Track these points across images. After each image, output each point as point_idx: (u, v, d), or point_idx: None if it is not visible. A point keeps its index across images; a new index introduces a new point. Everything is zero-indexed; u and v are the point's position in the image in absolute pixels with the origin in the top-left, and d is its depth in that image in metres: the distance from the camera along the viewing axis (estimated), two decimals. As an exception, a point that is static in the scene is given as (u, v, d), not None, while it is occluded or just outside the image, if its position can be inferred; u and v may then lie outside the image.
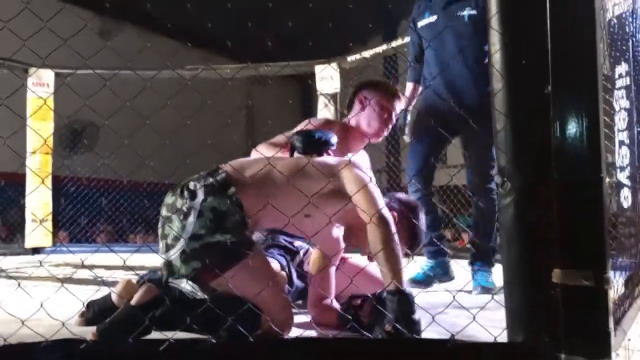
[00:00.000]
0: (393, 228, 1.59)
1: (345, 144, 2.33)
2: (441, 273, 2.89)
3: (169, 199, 1.74)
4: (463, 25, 2.69)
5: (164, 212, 1.72)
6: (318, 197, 1.61)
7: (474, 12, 2.67)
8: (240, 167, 1.73)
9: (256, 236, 2.20)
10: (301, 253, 2.26)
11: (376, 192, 1.67)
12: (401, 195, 2.00)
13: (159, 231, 1.73)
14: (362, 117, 2.44)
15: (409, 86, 3.03)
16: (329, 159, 1.85)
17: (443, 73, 2.71)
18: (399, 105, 2.53)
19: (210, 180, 1.69)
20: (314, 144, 1.94)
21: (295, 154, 1.99)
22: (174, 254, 1.64)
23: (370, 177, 1.73)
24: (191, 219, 1.63)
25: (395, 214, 1.80)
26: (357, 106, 2.49)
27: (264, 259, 1.71)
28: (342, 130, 2.36)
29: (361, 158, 2.40)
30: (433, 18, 2.79)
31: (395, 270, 1.53)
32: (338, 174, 1.69)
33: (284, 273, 2.10)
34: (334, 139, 1.98)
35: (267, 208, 1.61)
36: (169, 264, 1.66)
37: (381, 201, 1.65)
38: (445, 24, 2.70)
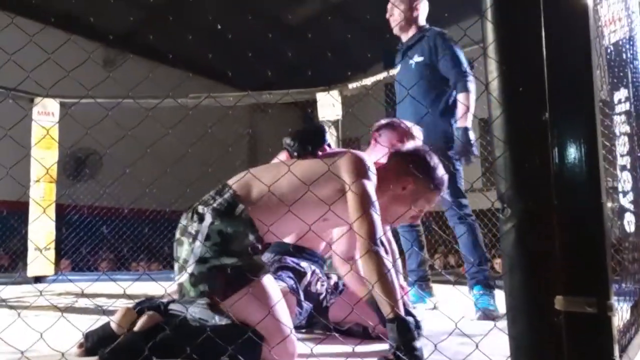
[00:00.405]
0: (384, 260, 1.59)
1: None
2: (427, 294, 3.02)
3: (182, 221, 1.77)
4: (411, 72, 2.88)
5: (177, 234, 1.75)
6: (331, 199, 1.65)
7: (420, 58, 2.87)
8: (246, 183, 1.74)
9: (265, 258, 2.19)
10: (308, 275, 2.24)
11: (374, 205, 1.65)
12: (401, 150, 1.97)
13: (174, 254, 1.74)
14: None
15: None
16: (332, 157, 1.79)
17: (413, 116, 2.84)
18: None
19: (219, 200, 1.71)
20: (307, 140, 1.88)
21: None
22: (184, 276, 1.65)
23: (371, 177, 1.73)
24: (199, 242, 1.65)
25: (411, 178, 1.81)
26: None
27: (270, 285, 1.69)
28: None
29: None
30: (398, 68, 3.06)
31: (391, 297, 1.53)
32: (341, 178, 1.70)
33: (294, 298, 2.08)
34: (326, 136, 1.93)
35: (281, 220, 1.63)
36: (180, 286, 1.68)
37: (375, 223, 1.62)
38: (401, 73, 2.94)
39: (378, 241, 1.61)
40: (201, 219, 1.69)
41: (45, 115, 5.14)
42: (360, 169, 1.71)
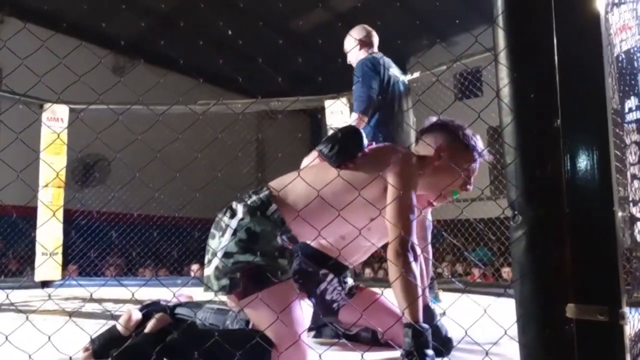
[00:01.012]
0: (413, 263, 1.59)
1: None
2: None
3: (218, 215, 1.78)
4: None
5: (212, 229, 1.76)
6: (375, 199, 1.65)
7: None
8: (284, 184, 1.75)
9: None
10: (325, 283, 2.20)
11: (412, 213, 1.64)
12: (441, 120, 1.93)
13: (206, 248, 1.77)
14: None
15: None
16: (376, 159, 1.76)
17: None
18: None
19: (254, 197, 1.73)
20: (345, 147, 1.76)
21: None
22: (211, 268, 1.67)
23: (415, 183, 1.71)
24: (227, 236, 1.66)
25: (441, 142, 1.81)
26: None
27: (289, 290, 1.67)
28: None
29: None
30: None
31: (410, 303, 1.53)
32: (385, 182, 1.69)
33: (310, 304, 2.06)
34: (364, 142, 1.81)
35: (318, 223, 1.64)
36: (207, 279, 1.69)
37: (410, 229, 1.62)
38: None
39: (409, 247, 1.61)
40: (233, 214, 1.71)
41: (55, 121, 5.18)
42: (406, 172, 1.69)
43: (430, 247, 2.51)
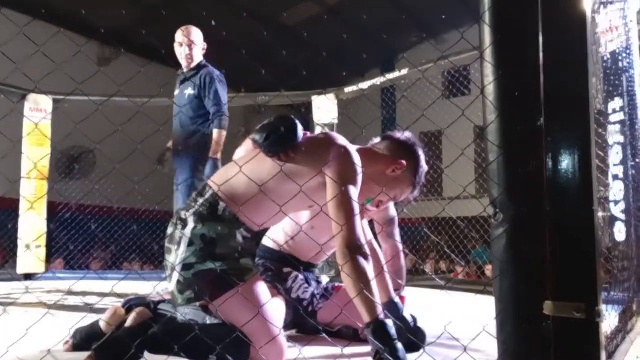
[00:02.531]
0: (363, 261, 1.54)
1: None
2: None
3: (169, 229, 1.75)
4: (184, 99, 3.62)
5: (166, 243, 1.73)
6: (313, 190, 1.63)
7: (193, 91, 3.60)
8: (226, 178, 1.70)
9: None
10: (290, 281, 2.22)
11: (354, 210, 1.59)
12: (395, 136, 1.95)
13: (164, 262, 1.74)
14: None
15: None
16: (314, 148, 1.71)
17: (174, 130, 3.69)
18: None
19: (200, 201, 1.70)
20: (278, 140, 1.69)
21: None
22: (173, 284, 1.65)
23: (356, 179, 1.66)
24: (183, 247, 1.63)
25: (403, 160, 1.83)
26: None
27: (258, 287, 1.66)
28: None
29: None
30: (177, 92, 3.78)
31: (368, 301, 1.49)
32: (323, 173, 1.65)
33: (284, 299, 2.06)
34: (299, 132, 1.73)
35: (264, 211, 1.64)
36: (172, 294, 1.68)
37: (354, 230, 1.57)
38: (179, 98, 3.68)
39: (355, 245, 1.55)
40: (184, 224, 1.67)
41: (38, 111, 5.11)
42: (346, 170, 1.64)
43: (399, 243, 2.48)
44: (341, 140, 1.76)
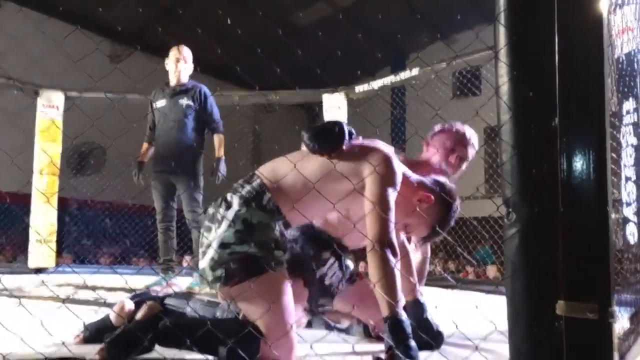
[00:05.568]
0: (392, 257, 1.59)
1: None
2: None
3: (210, 210, 1.78)
4: (181, 110, 3.93)
5: (205, 222, 1.76)
6: (350, 195, 1.66)
7: (191, 102, 3.95)
8: (274, 171, 1.76)
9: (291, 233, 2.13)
10: (326, 267, 2.18)
11: (389, 209, 1.65)
12: (441, 179, 1.96)
13: (200, 242, 1.77)
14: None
15: (145, 146, 4.16)
16: (358, 154, 1.78)
17: (165, 138, 3.95)
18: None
19: (248, 187, 1.74)
20: (324, 140, 1.80)
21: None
22: (206, 260, 1.67)
23: (395, 184, 1.71)
24: (223, 227, 1.66)
25: (433, 197, 1.82)
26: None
27: (281, 281, 1.67)
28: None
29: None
30: (164, 102, 4.01)
31: (391, 296, 1.53)
32: (363, 177, 1.70)
33: (307, 292, 2.04)
34: (346, 135, 1.83)
35: (303, 208, 1.68)
36: (202, 271, 1.69)
37: (386, 226, 1.63)
38: (170, 108, 3.95)
39: (385, 244, 1.60)
40: (228, 206, 1.71)
41: (50, 108, 5.15)
42: (387, 174, 1.69)
43: (428, 247, 2.52)
44: (385, 147, 1.81)
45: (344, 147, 1.78)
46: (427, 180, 1.92)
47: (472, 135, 2.69)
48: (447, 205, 1.84)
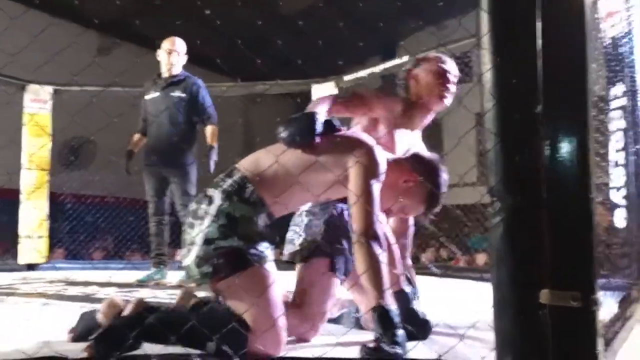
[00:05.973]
0: (377, 249, 1.60)
1: (409, 118, 2.28)
2: None
3: (192, 206, 1.77)
4: (172, 102, 3.95)
5: (188, 219, 1.74)
6: (334, 184, 1.67)
7: (183, 94, 3.98)
8: (255, 163, 1.75)
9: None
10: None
11: (373, 201, 1.65)
12: (422, 154, 1.94)
13: (183, 239, 1.75)
14: (421, 89, 2.35)
15: (137, 136, 4.17)
16: (340, 144, 1.76)
17: (157, 130, 3.99)
18: (452, 66, 2.47)
19: (229, 181, 1.72)
20: (294, 132, 1.73)
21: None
22: (191, 257, 1.66)
23: (379, 175, 1.70)
24: (206, 223, 1.65)
25: (416, 173, 1.80)
26: (412, 83, 2.40)
27: (267, 274, 1.66)
28: (404, 104, 2.29)
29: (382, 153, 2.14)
30: (156, 94, 4.03)
31: (376, 287, 1.54)
32: (346, 168, 1.70)
33: (334, 279, 2.00)
34: (317, 127, 1.75)
35: (286, 198, 1.68)
36: (188, 269, 1.68)
37: (371, 218, 1.64)
38: (162, 99, 3.97)
39: (370, 235, 1.61)
40: (210, 201, 1.70)
41: (38, 102, 5.10)
42: (370, 165, 1.69)
43: (409, 245, 2.47)
44: (368, 139, 1.80)
45: (324, 138, 1.75)
46: (405, 158, 1.92)
47: (448, 61, 2.49)
48: (432, 176, 1.83)
